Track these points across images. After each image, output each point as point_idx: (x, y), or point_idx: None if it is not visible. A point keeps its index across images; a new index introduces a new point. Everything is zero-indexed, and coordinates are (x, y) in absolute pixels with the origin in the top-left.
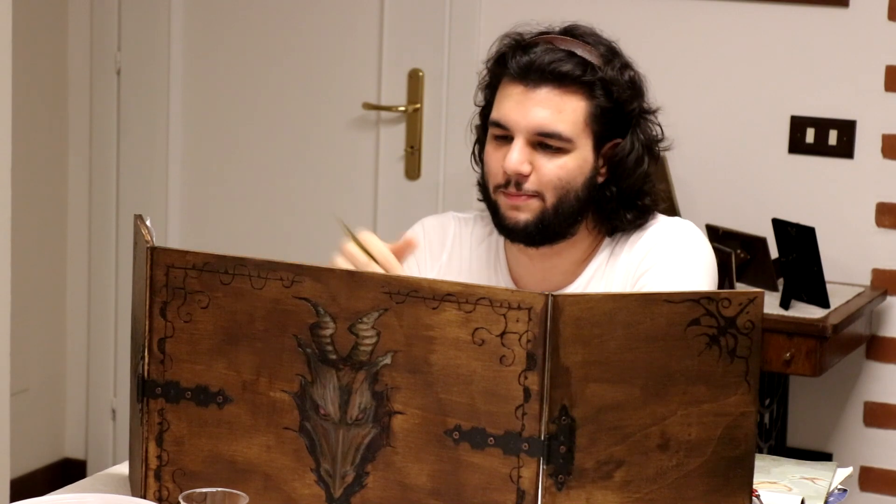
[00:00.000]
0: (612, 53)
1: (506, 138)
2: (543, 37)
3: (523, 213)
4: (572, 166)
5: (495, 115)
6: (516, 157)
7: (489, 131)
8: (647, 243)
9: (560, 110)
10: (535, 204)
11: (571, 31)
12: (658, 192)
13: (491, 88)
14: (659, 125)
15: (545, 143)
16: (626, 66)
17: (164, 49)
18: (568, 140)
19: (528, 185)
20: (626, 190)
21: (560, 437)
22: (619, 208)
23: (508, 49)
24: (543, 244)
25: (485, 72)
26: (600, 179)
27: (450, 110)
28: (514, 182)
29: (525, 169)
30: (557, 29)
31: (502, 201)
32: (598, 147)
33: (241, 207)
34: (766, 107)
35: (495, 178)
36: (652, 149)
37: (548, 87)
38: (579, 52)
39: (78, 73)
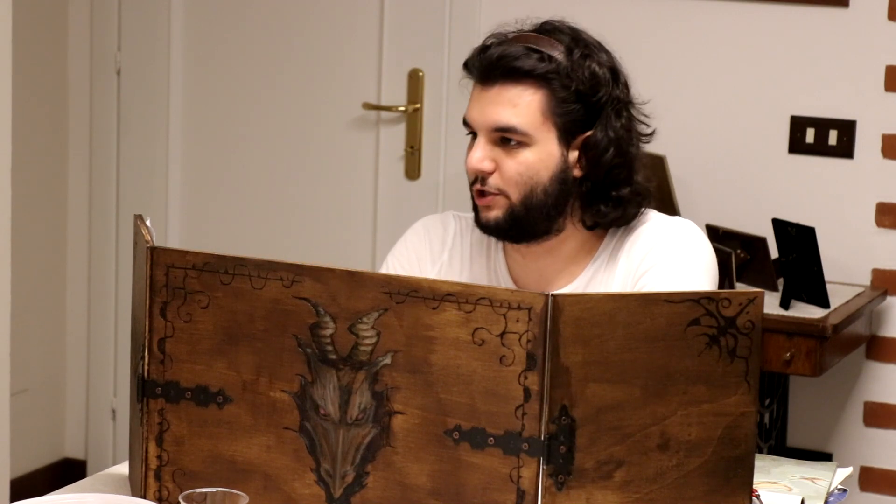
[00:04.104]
0: (574, 44)
1: (475, 136)
2: (511, 36)
3: (493, 210)
4: (533, 160)
5: (465, 115)
6: (478, 154)
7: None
8: (648, 243)
9: (514, 105)
10: (501, 201)
11: (541, 28)
12: (640, 184)
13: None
14: (634, 115)
15: (504, 137)
16: (588, 55)
17: (164, 49)
18: (525, 133)
19: (492, 182)
20: (600, 182)
21: (560, 437)
22: (594, 201)
23: (470, 56)
24: (522, 240)
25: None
26: (578, 173)
27: (450, 110)
28: (480, 179)
29: (486, 166)
30: (528, 28)
31: (477, 200)
32: (565, 140)
33: (241, 207)
34: (766, 107)
35: (469, 175)
36: (629, 139)
37: (501, 83)
38: (538, 45)
39: (78, 73)
